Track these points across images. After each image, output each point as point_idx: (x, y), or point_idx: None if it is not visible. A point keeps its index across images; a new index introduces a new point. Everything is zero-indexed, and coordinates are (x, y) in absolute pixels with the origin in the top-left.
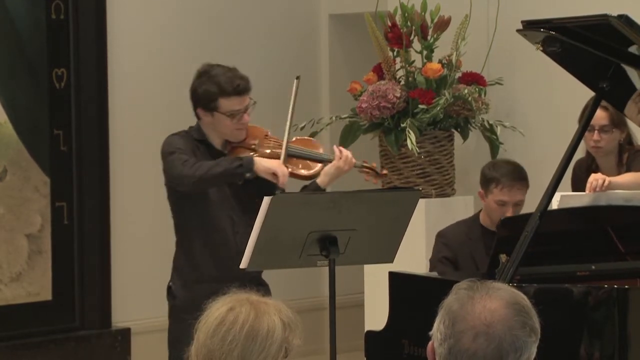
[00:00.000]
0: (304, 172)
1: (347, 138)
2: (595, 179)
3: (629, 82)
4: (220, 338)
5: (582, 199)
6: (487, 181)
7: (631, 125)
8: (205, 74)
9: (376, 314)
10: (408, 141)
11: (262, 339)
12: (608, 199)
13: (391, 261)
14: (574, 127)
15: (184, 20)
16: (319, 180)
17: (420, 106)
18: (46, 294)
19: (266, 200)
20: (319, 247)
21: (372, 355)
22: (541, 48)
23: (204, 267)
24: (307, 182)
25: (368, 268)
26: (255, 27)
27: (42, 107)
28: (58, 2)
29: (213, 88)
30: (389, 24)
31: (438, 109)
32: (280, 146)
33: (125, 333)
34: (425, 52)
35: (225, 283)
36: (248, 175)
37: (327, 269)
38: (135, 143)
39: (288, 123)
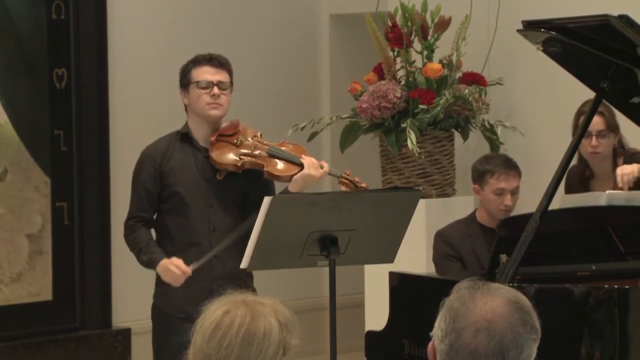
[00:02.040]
0: (278, 172)
1: (347, 138)
2: (623, 169)
3: (629, 82)
4: (217, 343)
5: (582, 199)
6: (481, 174)
7: (622, 128)
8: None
9: (376, 314)
10: (408, 141)
11: (259, 341)
12: (608, 199)
13: (391, 261)
14: (572, 126)
15: (184, 20)
16: (289, 187)
17: (421, 106)
18: (47, 294)
19: (266, 200)
20: (319, 247)
21: (373, 355)
22: (542, 48)
23: None
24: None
25: (368, 268)
26: (256, 27)
27: (42, 107)
28: (58, 2)
29: (189, 62)
30: (390, 24)
31: (438, 109)
32: (263, 147)
33: (126, 333)
34: (425, 52)
35: (198, 283)
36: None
37: (327, 269)
38: (135, 143)
39: None
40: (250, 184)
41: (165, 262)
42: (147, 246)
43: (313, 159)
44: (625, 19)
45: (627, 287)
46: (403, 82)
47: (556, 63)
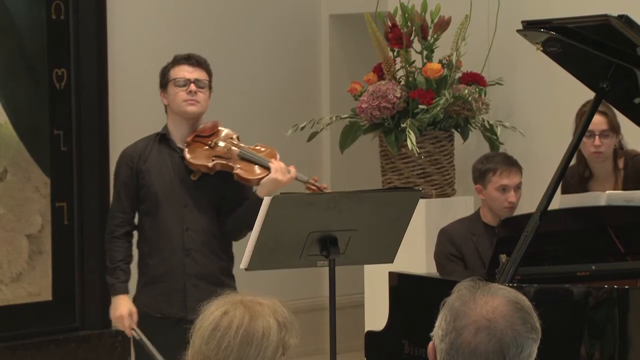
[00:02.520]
0: (248, 175)
1: (347, 138)
2: None
3: (629, 82)
4: (216, 344)
5: (582, 199)
6: (483, 173)
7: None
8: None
9: (376, 314)
10: (408, 141)
11: (258, 342)
12: (608, 199)
13: (391, 261)
14: (574, 127)
15: (184, 20)
16: (258, 190)
17: (421, 106)
18: (46, 294)
19: (266, 200)
20: (319, 247)
21: (373, 355)
22: (541, 48)
23: (151, 267)
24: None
25: (368, 268)
26: (256, 27)
27: (42, 107)
28: (58, 2)
29: (168, 63)
30: (389, 24)
31: (438, 109)
32: (235, 150)
33: (126, 333)
34: (425, 52)
35: (173, 282)
36: None
37: (327, 269)
38: None
39: None
40: (226, 185)
41: (119, 303)
42: (114, 270)
43: (281, 163)
44: (625, 19)
45: (627, 287)
46: (403, 82)
47: (556, 63)
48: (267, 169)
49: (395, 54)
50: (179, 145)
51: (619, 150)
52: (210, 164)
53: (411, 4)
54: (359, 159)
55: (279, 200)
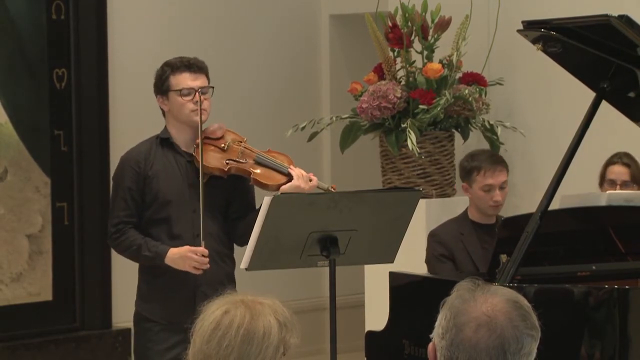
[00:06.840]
0: (266, 181)
1: (347, 138)
2: None
3: (629, 82)
4: (216, 343)
5: (582, 199)
6: (468, 172)
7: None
8: (162, 65)
9: (377, 314)
10: (408, 141)
11: (259, 341)
12: (608, 199)
13: (392, 261)
14: (574, 127)
15: (184, 20)
16: None
17: (421, 106)
18: (47, 294)
19: (266, 200)
20: (319, 248)
21: (373, 355)
22: (541, 48)
23: (159, 274)
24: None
25: (368, 268)
26: (257, 27)
27: (42, 107)
28: (58, 2)
29: (164, 68)
30: (390, 24)
31: (438, 109)
32: (251, 154)
33: (126, 333)
34: (425, 53)
35: (184, 290)
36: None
37: (327, 269)
38: (135, 143)
39: None
40: (234, 189)
41: (176, 251)
42: (145, 242)
43: (302, 171)
44: (625, 19)
45: (627, 287)
46: (403, 82)
47: (556, 63)
48: (284, 174)
49: (395, 54)
50: (184, 149)
51: None
52: (225, 168)
53: (411, 4)
54: (359, 159)
55: (279, 200)
